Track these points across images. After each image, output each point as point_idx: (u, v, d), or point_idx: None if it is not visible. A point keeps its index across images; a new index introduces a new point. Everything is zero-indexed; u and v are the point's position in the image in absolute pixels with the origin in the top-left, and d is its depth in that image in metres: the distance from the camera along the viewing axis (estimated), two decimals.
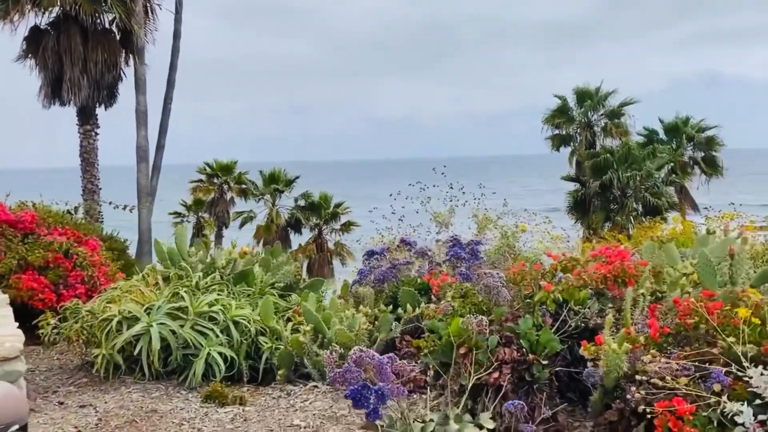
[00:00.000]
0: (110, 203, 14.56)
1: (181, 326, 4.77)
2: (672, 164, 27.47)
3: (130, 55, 17.69)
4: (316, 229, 29.77)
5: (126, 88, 18.46)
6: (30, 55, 17.04)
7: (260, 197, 30.24)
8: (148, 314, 4.77)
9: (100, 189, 18.03)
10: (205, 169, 31.57)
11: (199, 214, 31.48)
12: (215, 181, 31.38)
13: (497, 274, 4.29)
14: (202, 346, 4.71)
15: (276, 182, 30.01)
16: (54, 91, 16.95)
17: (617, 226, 23.01)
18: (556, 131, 29.76)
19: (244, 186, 31.14)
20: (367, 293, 5.48)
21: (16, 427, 2.76)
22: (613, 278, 4.57)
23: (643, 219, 25.32)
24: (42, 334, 5.64)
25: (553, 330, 4.12)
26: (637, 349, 3.30)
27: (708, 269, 4.03)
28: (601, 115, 29.61)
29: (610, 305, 4.53)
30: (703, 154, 28.80)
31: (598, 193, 25.19)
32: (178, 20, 19.01)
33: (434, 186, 6.87)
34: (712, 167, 28.56)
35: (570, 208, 26.82)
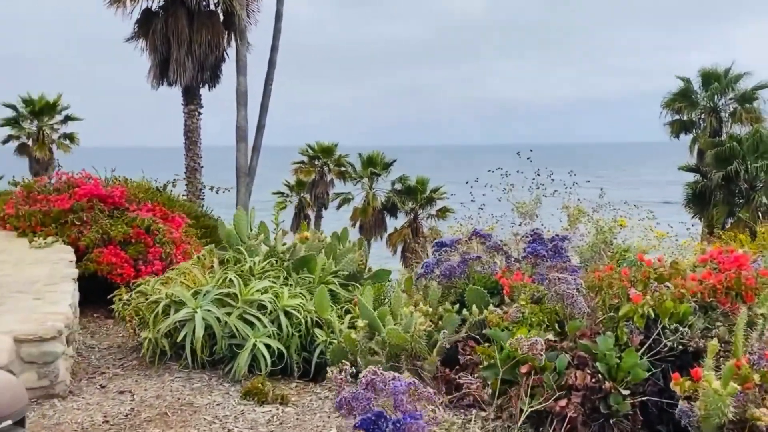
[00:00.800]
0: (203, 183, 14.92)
1: (228, 314, 4.50)
2: None
3: (233, 37, 18.05)
4: (412, 214, 29.44)
5: (229, 70, 18.95)
6: (141, 37, 17.84)
7: (358, 180, 30.33)
8: (196, 299, 4.54)
9: (202, 167, 18.65)
10: (307, 151, 32.18)
11: (301, 194, 32.21)
12: (316, 162, 31.90)
13: (574, 279, 3.60)
14: (249, 336, 4.42)
15: (374, 165, 29.96)
16: (162, 72, 17.66)
17: (741, 222, 20.68)
18: (677, 116, 27.26)
19: (343, 168, 31.42)
20: (432, 289, 4.95)
21: (10, 422, 2.52)
22: (725, 290, 3.74)
23: None
24: (115, 309, 5.63)
25: (642, 350, 3.40)
26: (749, 390, 2.55)
27: None
28: (730, 99, 26.71)
29: (720, 323, 3.71)
30: None
31: (721, 185, 22.78)
32: (280, 1, 19.13)
33: (518, 172, 6.14)
34: None
35: (688, 201, 24.52)
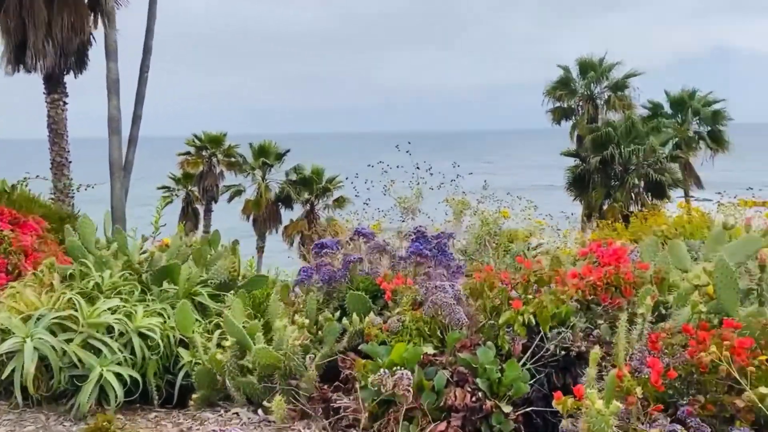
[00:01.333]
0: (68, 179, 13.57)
1: (69, 341, 3.85)
2: (677, 139, 26.40)
3: (99, 19, 16.50)
4: (308, 204, 28.79)
5: (98, 55, 17.32)
6: None
7: (249, 172, 29.15)
8: (27, 325, 3.85)
9: (70, 162, 16.99)
10: (194, 141, 30.47)
11: (188, 188, 30.49)
12: (203, 153, 30.30)
13: (452, 286, 3.34)
14: (94, 365, 3.80)
15: (266, 155, 28.91)
16: (17, 56, 15.82)
17: (616, 203, 22.01)
18: (558, 104, 28.59)
19: (233, 159, 30.07)
20: (310, 296, 4.54)
21: None
22: (605, 286, 3.64)
23: (646, 196, 24.37)
24: None
25: (526, 357, 3.20)
26: (632, 404, 2.38)
27: (729, 281, 3.09)
28: (605, 87, 28.38)
29: (601, 321, 3.61)
30: (708, 128, 27.65)
31: (598, 168, 24.18)
32: None
33: (398, 167, 5.88)
34: (717, 142, 27.44)
35: (569, 185, 25.83)
